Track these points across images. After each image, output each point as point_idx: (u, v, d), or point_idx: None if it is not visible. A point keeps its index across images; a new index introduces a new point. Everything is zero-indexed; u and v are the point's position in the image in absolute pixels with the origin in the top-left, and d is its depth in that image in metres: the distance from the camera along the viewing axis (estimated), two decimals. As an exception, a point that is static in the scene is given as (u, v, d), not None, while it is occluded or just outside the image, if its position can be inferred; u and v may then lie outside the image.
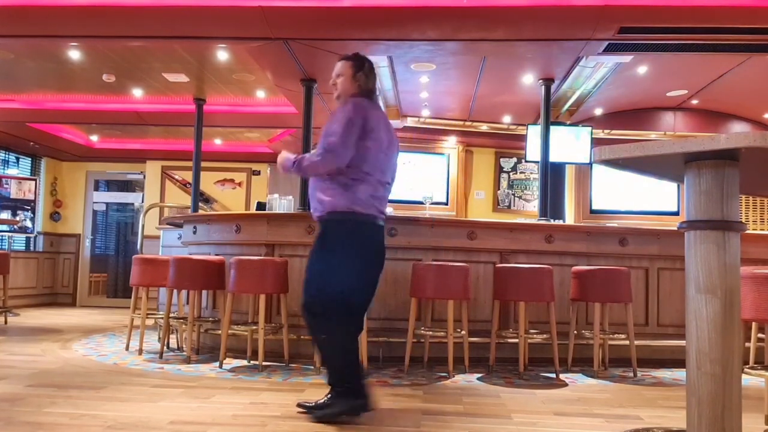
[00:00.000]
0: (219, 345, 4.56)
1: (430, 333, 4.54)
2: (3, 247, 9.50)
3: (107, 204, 10.89)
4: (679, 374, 4.55)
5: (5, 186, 9.40)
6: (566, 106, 7.55)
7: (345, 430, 2.83)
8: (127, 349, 5.16)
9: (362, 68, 3.20)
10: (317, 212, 3.10)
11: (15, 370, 4.10)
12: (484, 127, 8.36)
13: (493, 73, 6.37)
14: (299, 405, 3.12)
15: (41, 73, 6.65)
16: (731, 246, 1.98)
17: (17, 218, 9.39)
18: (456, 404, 3.42)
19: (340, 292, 2.99)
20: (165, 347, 4.95)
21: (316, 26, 5.06)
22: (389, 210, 6.80)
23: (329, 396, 3.03)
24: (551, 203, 6.24)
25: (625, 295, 4.44)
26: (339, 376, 3.04)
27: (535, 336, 4.57)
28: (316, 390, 3.71)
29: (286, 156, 3.20)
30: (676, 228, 2.25)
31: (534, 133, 6.82)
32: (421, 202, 6.41)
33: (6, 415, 2.93)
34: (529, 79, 6.37)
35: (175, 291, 4.97)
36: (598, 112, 7.98)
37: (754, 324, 4.26)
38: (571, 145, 7.07)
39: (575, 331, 4.64)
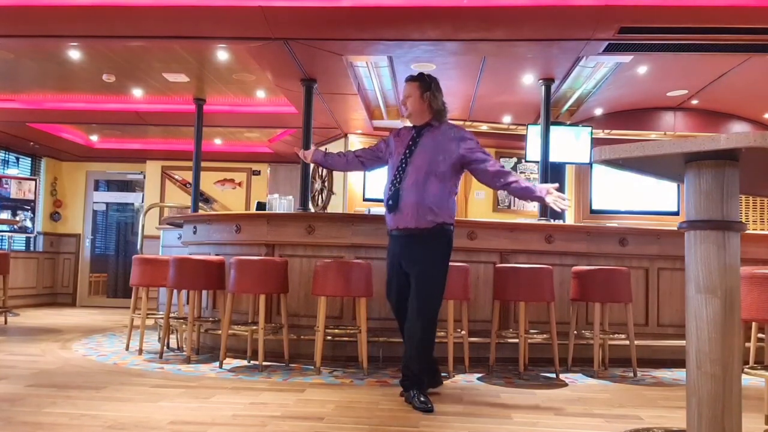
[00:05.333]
0: (219, 345, 4.56)
1: (430, 333, 4.53)
2: (3, 247, 9.50)
3: (107, 204, 10.89)
4: (679, 374, 4.55)
5: (5, 186, 9.40)
6: (566, 106, 7.55)
7: (346, 431, 2.83)
8: (127, 349, 5.16)
9: (431, 88, 3.52)
10: (429, 224, 3.39)
11: (15, 370, 4.10)
12: (484, 127, 8.35)
13: (493, 73, 6.36)
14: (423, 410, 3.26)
15: (41, 73, 6.65)
16: (731, 246, 1.98)
17: (17, 218, 9.40)
18: (456, 404, 3.42)
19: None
20: (165, 347, 4.95)
21: (316, 26, 5.06)
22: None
23: (423, 390, 3.37)
24: (551, 203, 6.23)
25: (625, 295, 4.44)
26: (430, 368, 3.51)
27: (535, 336, 4.57)
28: (316, 390, 3.72)
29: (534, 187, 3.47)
30: (676, 228, 2.25)
31: (534, 133, 6.82)
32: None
33: (6, 415, 2.93)
34: (529, 79, 6.37)
35: (175, 291, 4.97)
36: (598, 112, 7.98)
37: (754, 324, 4.27)
38: (571, 145, 7.06)
39: (575, 331, 4.64)
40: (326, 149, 3.80)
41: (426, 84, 3.52)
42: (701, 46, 5.21)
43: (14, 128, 8.59)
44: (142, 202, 10.40)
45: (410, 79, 3.59)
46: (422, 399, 3.30)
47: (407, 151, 3.50)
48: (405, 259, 3.47)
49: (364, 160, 3.83)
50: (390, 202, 3.45)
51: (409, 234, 3.43)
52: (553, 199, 3.37)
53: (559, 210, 3.49)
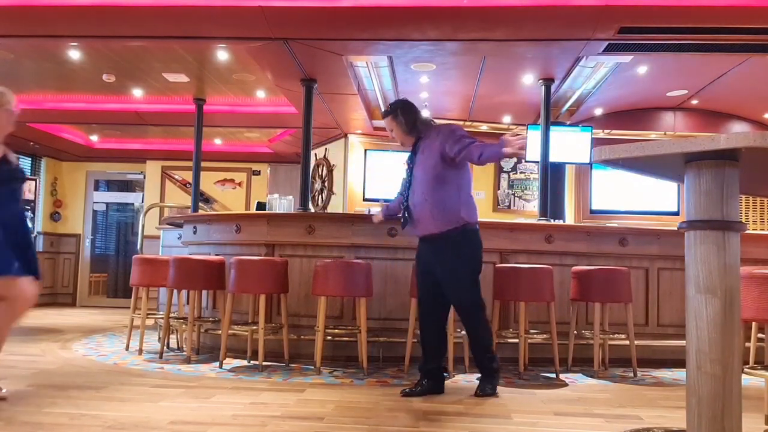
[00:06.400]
0: (219, 345, 4.56)
1: (430, 333, 4.53)
2: (3, 247, 9.48)
3: (107, 204, 10.90)
4: (679, 374, 4.55)
5: (5, 186, 9.38)
6: (566, 106, 7.55)
7: (346, 431, 2.83)
8: (127, 349, 5.16)
9: (397, 114, 3.78)
10: (449, 226, 3.60)
11: (15, 370, 4.10)
12: (484, 127, 8.35)
13: (493, 73, 6.36)
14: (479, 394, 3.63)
15: (41, 73, 6.65)
16: (731, 246, 1.98)
17: (17, 218, 9.37)
18: (456, 404, 3.42)
19: (479, 287, 3.70)
20: (165, 347, 4.95)
21: (316, 26, 5.06)
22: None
23: (486, 382, 3.66)
24: (551, 203, 6.23)
25: (625, 295, 4.44)
26: (492, 356, 3.68)
27: (535, 336, 4.57)
28: (316, 390, 3.72)
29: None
30: (676, 228, 2.25)
31: (534, 134, 6.82)
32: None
33: (6, 415, 2.93)
34: (529, 79, 6.37)
35: (175, 291, 4.97)
36: (598, 112, 7.98)
37: (754, 324, 4.26)
38: (571, 145, 7.06)
39: (575, 331, 4.64)
40: (387, 206, 4.22)
41: (395, 113, 3.80)
42: (701, 46, 5.21)
43: (14, 128, 8.58)
44: (142, 202, 10.40)
45: (384, 115, 3.90)
46: (485, 389, 3.62)
47: (409, 170, 3.80)
48: (431, 263, 3.70)
49: (403, 199, 3.96)
50: (403, 220, 3.79)
51: (433, 237, 3.66)
52: (513, 151, 3.46)
53: (523, 154, 3.62)
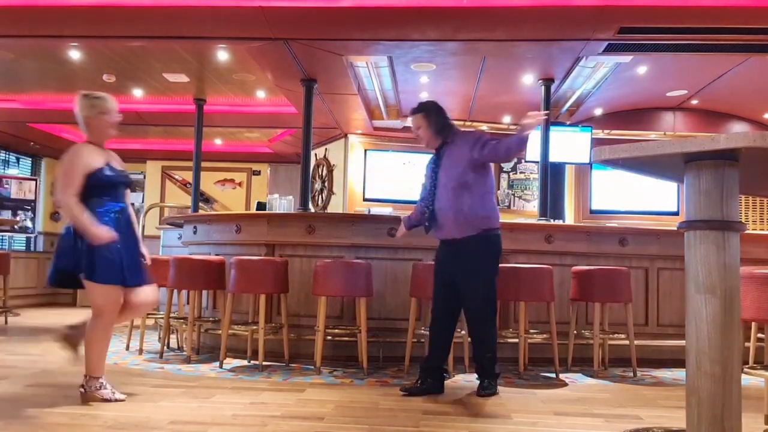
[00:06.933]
0: (219, 345, 4.56)
1: (430, 333, 4.53)
2: (3, 247, 9.50)
3: (107, 204, 10.88)
4: (679, 374, 4.55)
5: (5, 186, 9.41)
6: (566, 106, 7.55)
7: (346, 431, 2.84)
8: (127, 348, 5.16)
9: (430, 113, 3.79)
10: (472, 231, 3.61)
11: (15, 370, 4.11)
12: (484, 127, 8.33)
13: (493, 73, 6.36)
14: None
15: (41, 73, 6.66)
16: (731, 246, 1.98)
17: (17, 218, 9.40)
18: (456, 404, 3.42)
19: (496, 291, 3.75)
20: (165, 347, 4.95)
21: (316, 26, 5.06)
22: (389, 210, 6.79)
23: (486, 380, 3.67)
24: (551, 203, 6.23)
25: (625, 295, 4.44)
26: (493, 356, 3.68)
27: (535, 336, 4.57)
28: (316, 390, 3.72)
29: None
30: (676, 228, 2.25)
31: (534, 134, 6.81)
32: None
33: (6, 415, 2.93)
34: (529, 79, 6.37)
35: (175, 291, 4.97)
36: (598, 112, 7.98)
37: (754, 324, 4.27)
38: (571, 145, 7.06)
39: (575, 331, 4.64)
40: (408, 217, 4.05)
41: (428, 111, 3.79)
42: (701, 46, 5.22)
43: (14, 128, 8.60)
44: (143, 202, 10.41)
45: (414, 111, 3.85)
46: (484, 385, 3.65)
47: (434, 174, 3.79)
48: (451, 265, 3.71)
49: (427, 203, 3.88)
50: (427, 223, 3.78)
51: (456, 241, 3.68)
52: (534, 121, 3.60)
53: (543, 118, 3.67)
